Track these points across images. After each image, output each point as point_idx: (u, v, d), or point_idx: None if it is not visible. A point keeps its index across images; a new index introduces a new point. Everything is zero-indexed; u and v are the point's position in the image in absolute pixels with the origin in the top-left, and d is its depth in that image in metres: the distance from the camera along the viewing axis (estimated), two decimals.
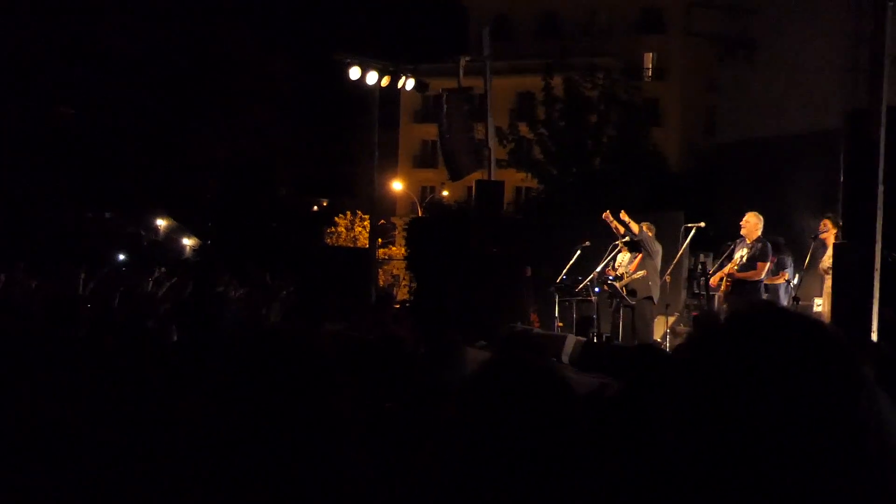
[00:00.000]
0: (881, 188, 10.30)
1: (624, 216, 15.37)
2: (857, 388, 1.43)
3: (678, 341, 14.65)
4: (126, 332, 9.82)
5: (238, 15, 52.79)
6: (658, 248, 15.42)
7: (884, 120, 10.39)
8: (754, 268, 13.54)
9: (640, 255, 15.32)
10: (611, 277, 15.74)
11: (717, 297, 15.87)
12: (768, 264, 13.52)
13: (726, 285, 14.04)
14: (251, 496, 1.90)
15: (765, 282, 13.84)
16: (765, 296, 13.64)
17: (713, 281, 14.36)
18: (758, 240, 13.60)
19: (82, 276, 17.31)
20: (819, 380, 1.42)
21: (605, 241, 16.22)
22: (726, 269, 14.04)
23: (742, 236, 13.83)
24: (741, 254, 13.75)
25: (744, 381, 1.43)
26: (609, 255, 15.85)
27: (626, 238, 15.63)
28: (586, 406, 2.20)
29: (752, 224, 13.72)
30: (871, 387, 1.46)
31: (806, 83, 23.35)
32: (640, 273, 15.19)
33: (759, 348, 1.45)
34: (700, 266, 16.57)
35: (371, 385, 6.01)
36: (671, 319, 15.84)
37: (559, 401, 2.07)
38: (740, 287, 13.62)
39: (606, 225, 16.41)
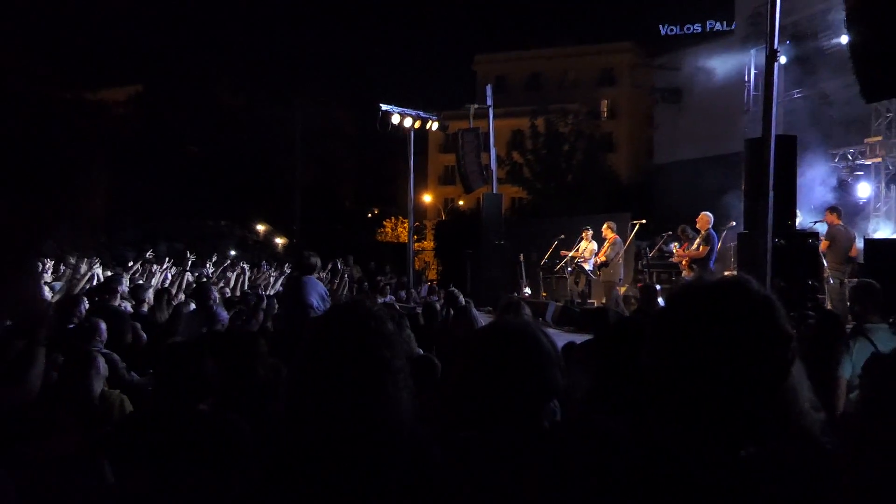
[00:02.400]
0: (771, 194, 10.25)
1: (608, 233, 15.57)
2: (790, 337, 1.44)
3: (630, 304, 14.70)
4: (238, 304, 9.91)
5: (313, 77, 53.05)
6: (619, 248, 15.48)
7: (773, 145, 10.34)
8: (699, 250, 13.76)
9: (606, 246, 15.36)
10: (578, 260, 15.80)
11: (656, 273, 15.95)
12: (710, 247, 13.72)
13: (685, 263, 14.22)
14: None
15: (689, 255, 13.98)
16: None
17: (683, 261, 14.50)
18: (707, 231, 13.83)
19: (207, 266, 17.39)
20: (771, 326, 1.42)
21: (574, 235, 16.31)
22: (686, 253, 14.25)
23: (698, 229, 14.03)
24: (697, 242, 13.98)
25: (715, 325, 1.44)
26: (576, 244, 15.98)
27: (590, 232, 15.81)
28: (559, 353, 2.21)
29: (703, 221, 13.94)
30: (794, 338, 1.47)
31: (717, 120, 23.26)
32: (603, 257, 15.24)
33: (729, 304, 1.45)
34: (643, 251, 16.60)
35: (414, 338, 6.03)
36: (622, 290, 15.84)
37: (533, 349, 2.10)
38: (697, 262, 13.88)
39: (577, 223, 16.51)
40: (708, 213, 14.13)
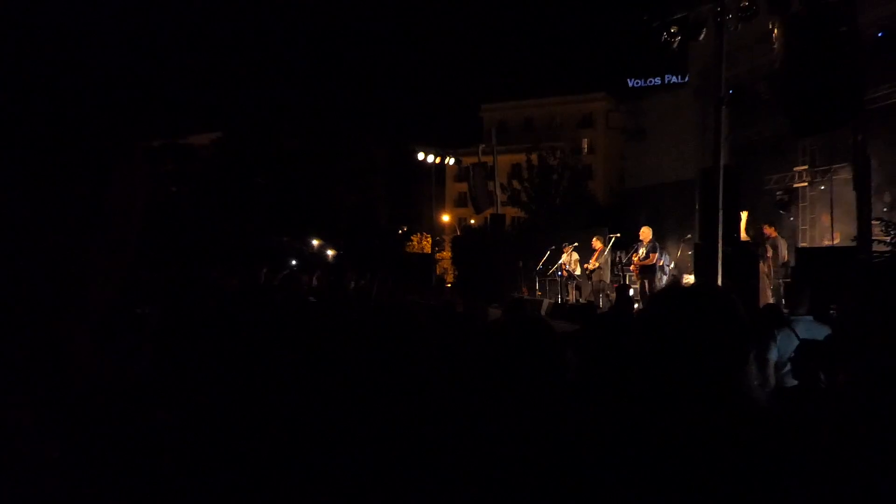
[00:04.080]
0: (721, 213, 10.19)
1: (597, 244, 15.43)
2: (749, 330, 1.43)
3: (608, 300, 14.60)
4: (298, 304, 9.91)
5: (355, 123, 53.49)
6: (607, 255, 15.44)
7: (721, 174, 10.28)
8: (648, 258, 13.54)
9: (595, 256, 15.29)
10: (567, 268, 15.79)
11: (629, 276, 15.83)
12: (657, 255, 13.51)
13: (636, 269, 14.03)
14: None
15: (640, 263, 13.82)
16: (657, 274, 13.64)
17: (633, 267, 14.29)
18: (650, 242, 13.61)
19: (265, 271, 17.43)
20: (733, 322, 1.41)
21: (563, 247, 16.30)
22: (635, 259, 14.02)
23: (641, 240, 13.82)
24: (642, 251, 13.74)
25: (687, 321, 1.43)
26: (561, 255, 16.02)
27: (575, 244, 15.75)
28: (560, 339, 2.19)
29: (647, 234, 13.74)
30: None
31: (675, 153, 23.13)
32: (597, 263, 15.21)
33: (701, 304, 1.45)
34: (618, 258, 16.53)
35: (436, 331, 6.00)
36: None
37: (544, 337, 2.09)
38: (645, 269, 13.61)
39: (564, 237, 16.51)
40: (648, 227, 14.01)
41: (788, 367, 4.68)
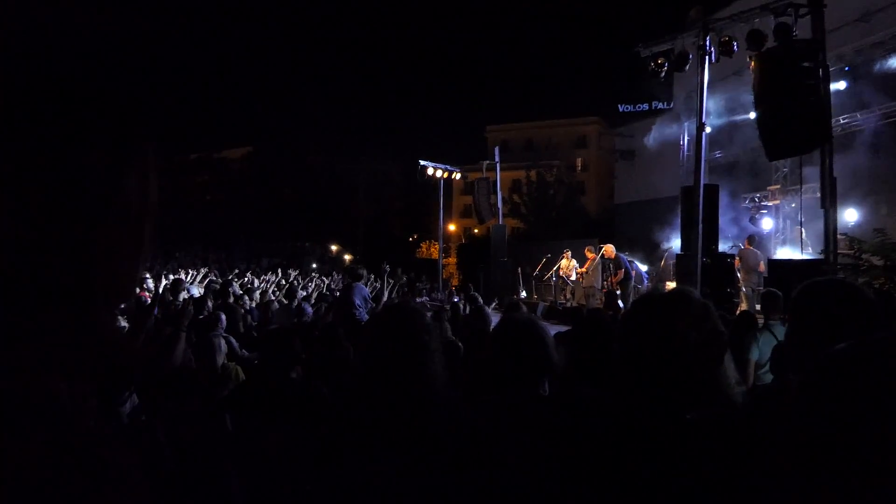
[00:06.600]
0: (700, 226, 10.15)
1: (589, 254, 15.29)
2: (722, 333, 1.42)
3: (597, 304, 14.51)
4: (320, 303, 9.90)
5: (372, 142, 53.64)
6: (598, 263, 15.34)
7: (701, 192, 10.25)
8: (615, 275, 13.44)
9: (588, 263, 15.20)
10: (563, 275, 15.73)
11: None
12: (623, 269, 13.39)
13: (614, 281, 13.93)
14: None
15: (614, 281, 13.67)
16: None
17: (613, 280, 14.19)
18: (616, 259, 13.51)
19: (295, 273, 17.45)
20: (708, 325, 1.41)
21: (557, 254, 16.23)
22: (614, 280, 13.95)
23: (607, 258, 13.74)
24: (613, 270, 13.70)
25: (667, 318, 1.42)
26: (559, 261, 15.92)
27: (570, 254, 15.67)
28: (553, 338, 2.18)
29: (610, 251, 13.64)
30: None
31: (661, 172, 23.07)
32: (584, 269, 15.12)
33: (678, 308, 1.44)
34: (608, 266, 16.45)
35: (443, 329, 5.97)
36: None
37: (537, 336, 2.08)
38: (620, 282, 13.54)
39: (559, 246, 16.46)
40: (611, 244, 13.90)
41: (768, 366, 4.70)
